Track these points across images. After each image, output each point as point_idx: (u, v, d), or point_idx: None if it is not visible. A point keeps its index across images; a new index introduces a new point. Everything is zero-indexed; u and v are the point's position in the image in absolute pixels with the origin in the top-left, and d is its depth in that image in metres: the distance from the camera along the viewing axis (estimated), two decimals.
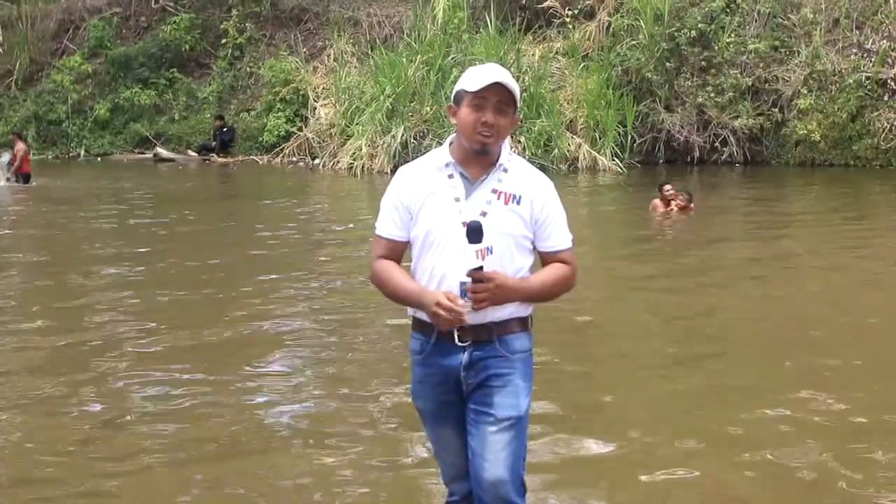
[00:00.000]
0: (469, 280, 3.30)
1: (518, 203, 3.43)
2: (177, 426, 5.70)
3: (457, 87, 3.48)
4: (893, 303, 8.91)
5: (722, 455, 5.18)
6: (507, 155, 3.50)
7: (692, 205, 14.28)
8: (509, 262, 3.41)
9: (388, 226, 3.52)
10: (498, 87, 3.37)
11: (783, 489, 4.74)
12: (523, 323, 3.50)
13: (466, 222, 3.34)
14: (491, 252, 3.35)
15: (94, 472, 5.09)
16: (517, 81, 3.59)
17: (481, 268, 3.29)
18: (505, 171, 3.47)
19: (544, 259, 3.53)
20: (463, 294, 3.32)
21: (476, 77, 3.40)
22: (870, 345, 7.36)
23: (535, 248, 3.51)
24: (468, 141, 3.44)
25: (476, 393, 3.44)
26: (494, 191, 3.43)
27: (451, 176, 3.47)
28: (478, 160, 3.46)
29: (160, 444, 5.44)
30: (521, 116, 3.85)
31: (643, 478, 4.88)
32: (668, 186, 14.49)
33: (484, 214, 3.38)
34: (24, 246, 13.07)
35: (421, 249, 3.46)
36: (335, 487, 4.84)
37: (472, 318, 3.38)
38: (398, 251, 3.54)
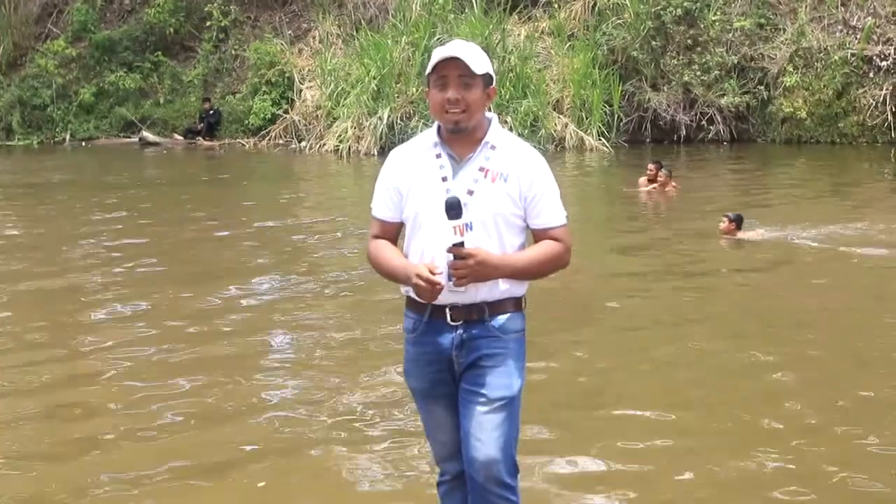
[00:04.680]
0: (451, 257, 3.28)
1: (505, 181, 3.39)
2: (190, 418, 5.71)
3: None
4: None
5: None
6: (496, 132, 3.47)
7: (673, 182, 14.39)
8: (498, 240, 3.39)
9: (381, 207, 3.53)
10: (455, 62, 3.33)
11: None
12: (517, 303, 3.48)
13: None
14: (470, 228, 3.32)
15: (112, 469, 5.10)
16: (502, 62, 3.55)
17: (462, 244, 3.25)
18: (493, 148, 3.44)
19: (536, 236, 3.49)
20: (449, 275, 3.30)
21: (434, 56, 3.38)
22: None
23: (527, 225, 3.46)
24: (441, 121, 3.43)
25: (468, 373, 3.43)
26: (482, 169, 3.41)
27: (438, 156, 3.45)
28: (462, 139, 3.43)
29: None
30: (495, 87, 3.76)
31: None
32: (651, 165, 14.66)
33: (471, 193, 3.36)
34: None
35: (412, 230, 3.46)
36: (329, 465, 4.86)
37: (464, 298, 3.37)
38: (392, 232, 3.54)
